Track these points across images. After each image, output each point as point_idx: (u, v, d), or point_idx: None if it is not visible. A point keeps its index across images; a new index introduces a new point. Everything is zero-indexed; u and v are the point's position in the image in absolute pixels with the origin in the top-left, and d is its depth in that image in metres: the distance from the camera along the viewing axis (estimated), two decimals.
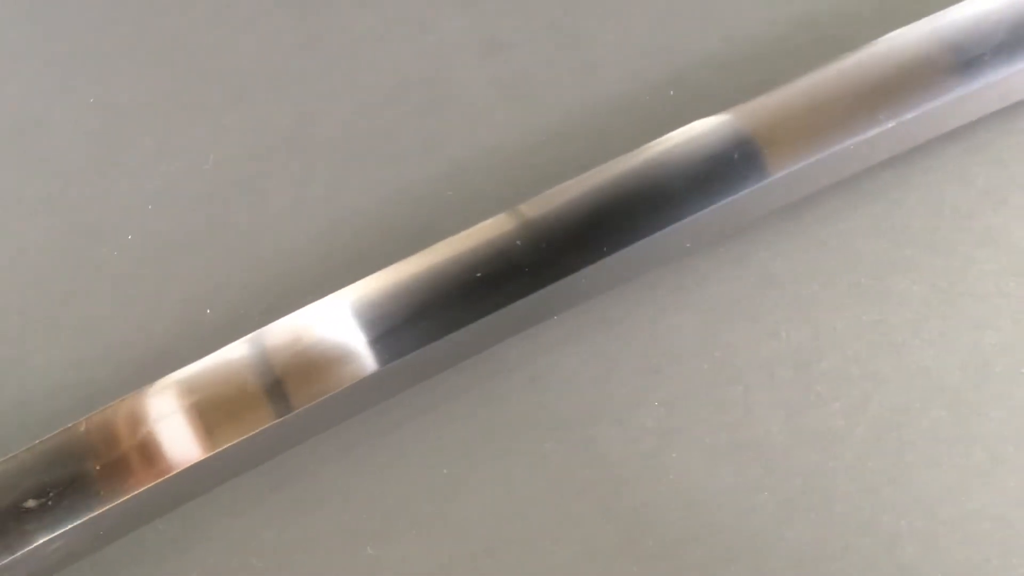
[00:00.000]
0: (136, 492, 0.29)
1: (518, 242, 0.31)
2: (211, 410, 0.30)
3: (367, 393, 0.31)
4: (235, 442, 0.30)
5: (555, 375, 0.34)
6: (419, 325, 0.31)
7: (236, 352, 0.30)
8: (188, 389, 0.30)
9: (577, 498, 0.32)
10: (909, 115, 0.33)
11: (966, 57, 0.33)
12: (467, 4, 0.39)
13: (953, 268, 0.34)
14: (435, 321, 0.31)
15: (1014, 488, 0.31)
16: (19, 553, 0.28)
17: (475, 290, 0.31)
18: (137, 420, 0.30)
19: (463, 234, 0.32)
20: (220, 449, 0.30)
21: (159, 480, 0.29)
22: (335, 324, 0.31)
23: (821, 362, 0.33)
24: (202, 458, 0.30)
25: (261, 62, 0.39)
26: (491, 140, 0.37)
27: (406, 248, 0.32)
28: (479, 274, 0.31)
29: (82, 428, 0.29)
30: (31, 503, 0.28)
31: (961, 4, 0.34)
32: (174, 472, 0.29)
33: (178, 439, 0.30)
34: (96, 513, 0.29)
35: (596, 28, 0.38)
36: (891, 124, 0.33)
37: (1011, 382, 0.32)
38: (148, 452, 0.30)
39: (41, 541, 0.28)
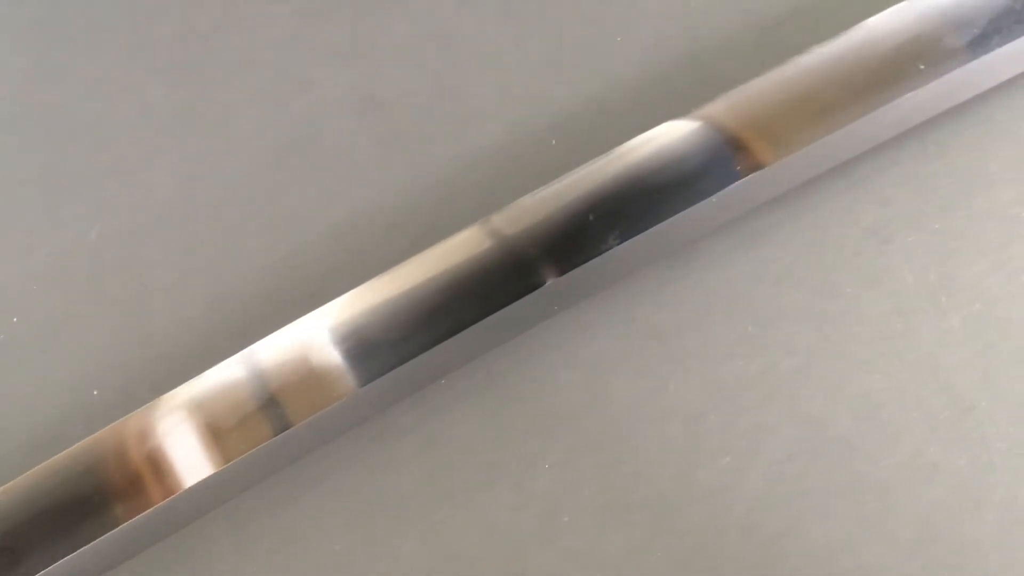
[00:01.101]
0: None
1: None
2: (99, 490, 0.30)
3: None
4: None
5: (447, 439, 0.33)
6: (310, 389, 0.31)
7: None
8: (138, 435, 0.30)
9: (471, 570, 0.32)
10: (788, 157, 0.32)
11: (844, 93, 0.32)
12: (345, 61, 0.39)
13: (840, 311, 0.33)
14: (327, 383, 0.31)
15: (907, 539, 0.31)
16: None
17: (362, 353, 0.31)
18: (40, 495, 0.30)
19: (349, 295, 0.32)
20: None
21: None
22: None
23: (709, 415, 0.33)
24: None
25: (139, 132, 0.38)
26: (372, 199, 0.36)
27: (295, 312, 0.32)
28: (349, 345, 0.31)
29: None
30: None
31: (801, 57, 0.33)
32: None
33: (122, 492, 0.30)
34: None
35: (475, 78, 0.38)
36: (775, 165, 0.32)
37: (902, 427, 0.32)
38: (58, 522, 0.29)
39: None
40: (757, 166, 0.32)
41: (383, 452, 0.33)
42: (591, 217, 0.31)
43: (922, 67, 0.31)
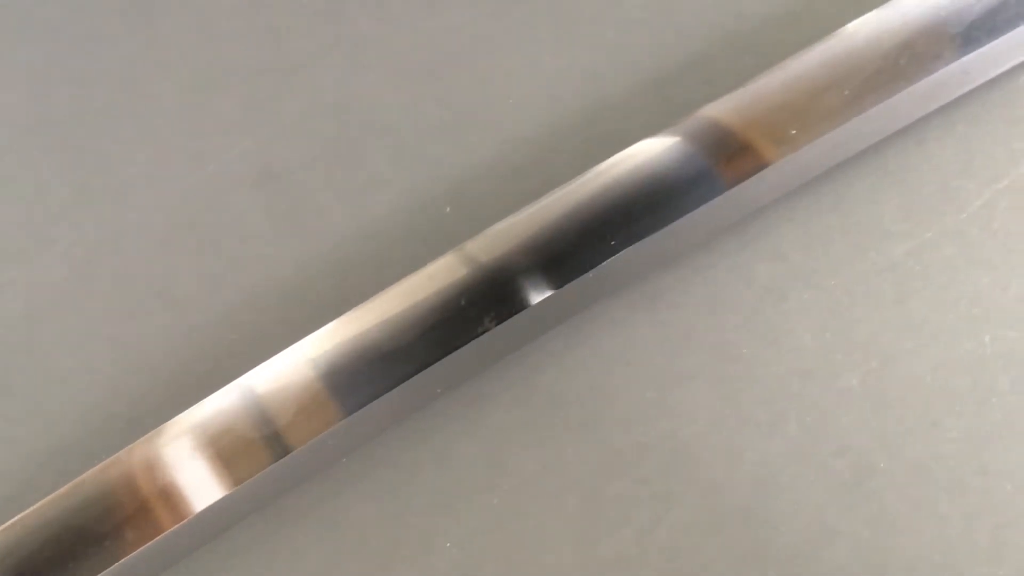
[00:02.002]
0: None
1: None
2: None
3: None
4: None
5: (347, 521, 0.33)
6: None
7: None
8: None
9: None
10: (679, 220, 0.32)
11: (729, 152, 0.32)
12: (240, 133, 0.38)
13: (739, 373, 0.33)
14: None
15: None
16: None
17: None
18: None
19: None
20: None
21: None
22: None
23: (609, 486, 0.32)
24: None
25: (32, 214, 0.38)
26: (270, 274, 0.36)
27: (197, 395, 0.31)
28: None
29: None
30: None
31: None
32: None
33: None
34: None
35: (370, 146, 0.37)
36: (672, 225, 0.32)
37: (802, 492, 0.31)
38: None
39: None
40: (658, 225, 0.31)
41: (281, 538, 0.33)
42: (463, 302, 0.30)
43: (794, 132, 0.31)
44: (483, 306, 0.30)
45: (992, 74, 0.34)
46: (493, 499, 0.32)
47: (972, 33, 0.32)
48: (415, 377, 0.30)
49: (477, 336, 0.30)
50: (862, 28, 0.33)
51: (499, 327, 0.30)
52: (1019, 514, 0.31)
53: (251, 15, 0.39)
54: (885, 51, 0.32)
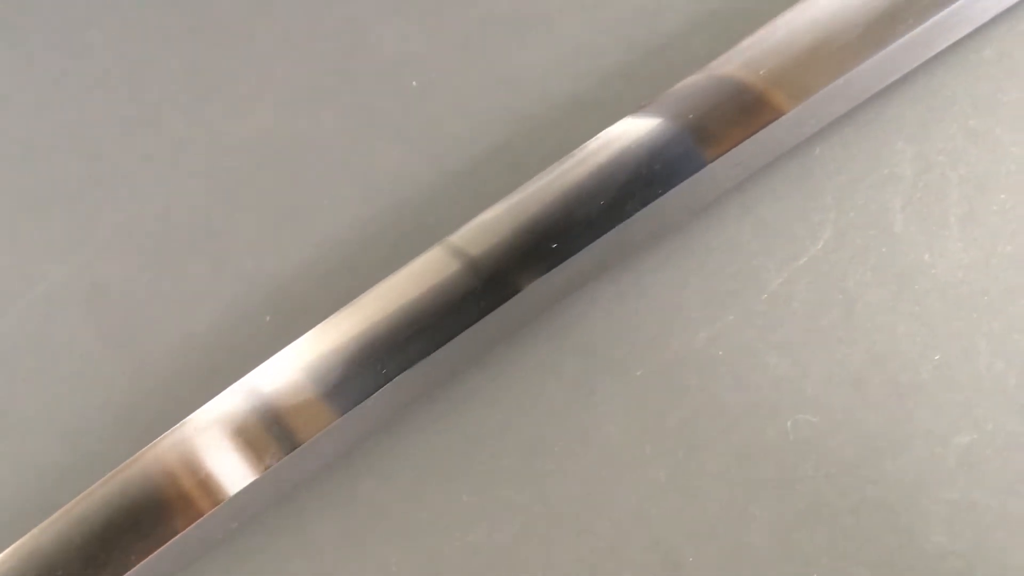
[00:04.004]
0: None
1: None
2: None
3: None
4: None
5: None
6: None
7: None
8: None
9: None
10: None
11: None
12: (67, 251, 0.38)
13: (552, 470, 0.33)
14: None
15: None
16: None
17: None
18: None
19: None
20: None
21: None
22: None
23: None
24: None
25: None
26: (99, 395, 0.36)
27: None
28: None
29: None
30: None
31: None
32: None
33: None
34: None
35: (192, 258, 0.37)
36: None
37: None
38: None
39: None
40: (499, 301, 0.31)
41: None
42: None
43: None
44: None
45: (789, 145, 0.33)
46: None
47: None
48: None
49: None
50: (605, 147, 0.32)
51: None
52: None
53: (71, 130, 0.39)
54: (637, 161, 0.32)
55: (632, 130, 0.32)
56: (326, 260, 0.36)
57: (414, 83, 0.37)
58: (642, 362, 0.33)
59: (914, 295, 0.32)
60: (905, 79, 0.34)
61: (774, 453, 0.32)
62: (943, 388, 0.31)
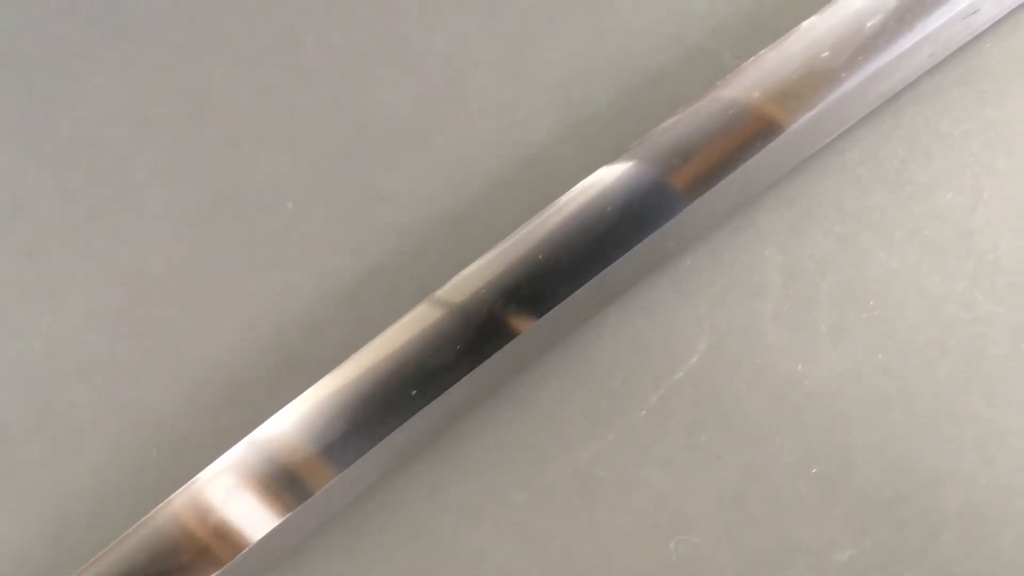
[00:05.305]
0: None
1: None
2: None
3: None
4: None
5: None
6: None
7: None
8: None
9: None
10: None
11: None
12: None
13: None
14: None
15: None
16: None
17: None
18: None
19: None
20: None
21: None
22: None
23: None
24: None
25: None
26: None
27: None
28: None
29: None
30: None
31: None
32: None
33: None
34: None
35: (79, 393, 0.36)
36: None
37: None
38: None
39: None
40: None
41: None
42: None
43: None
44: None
45: (664, 251, 0.33)
46: None
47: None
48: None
49: None
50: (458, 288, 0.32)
51: None
52: None
53: None
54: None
55: (483, 271, 0.31)
56: (208, 391, 0.36)
57: (290, 205, 0.37)
58: (524, 485, 0.33)
59: (789, 407, 0.32)
60: (772, 186, 0.33)
61: (657, 574, 0.32)
62: (822, 503, 0.31)
